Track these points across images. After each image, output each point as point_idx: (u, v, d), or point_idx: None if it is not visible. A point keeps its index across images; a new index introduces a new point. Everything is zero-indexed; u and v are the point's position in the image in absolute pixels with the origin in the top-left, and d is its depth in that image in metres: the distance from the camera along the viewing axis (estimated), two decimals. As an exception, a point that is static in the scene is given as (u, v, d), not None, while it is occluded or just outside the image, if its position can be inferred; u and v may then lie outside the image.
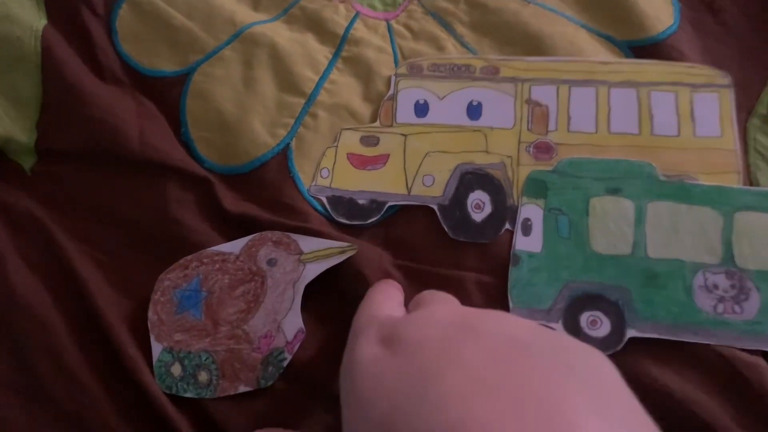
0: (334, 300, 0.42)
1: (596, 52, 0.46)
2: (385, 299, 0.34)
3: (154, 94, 0.46)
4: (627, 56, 0.47)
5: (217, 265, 0.42)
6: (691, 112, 0.44)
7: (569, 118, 0.45)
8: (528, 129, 0.45)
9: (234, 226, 0.43)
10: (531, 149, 0.44)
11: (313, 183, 0.44)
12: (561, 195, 0.43)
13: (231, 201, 0.44)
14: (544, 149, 0.44)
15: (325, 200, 0.44)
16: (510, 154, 0.44)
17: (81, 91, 0.45)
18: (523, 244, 0.42)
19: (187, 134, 0.47)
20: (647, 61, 0.46)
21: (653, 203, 0.40)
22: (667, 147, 0.43)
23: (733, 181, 0.42)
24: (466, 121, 0.46)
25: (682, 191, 0.41)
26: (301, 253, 0.42)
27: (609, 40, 0.47)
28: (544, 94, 0.45)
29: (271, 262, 0.42)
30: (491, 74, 0.46)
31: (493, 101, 0.45)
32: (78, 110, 0.44)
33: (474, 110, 0.45)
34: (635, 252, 0.41)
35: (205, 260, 0.43)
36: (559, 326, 0.41)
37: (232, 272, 0.42)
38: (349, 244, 0.42)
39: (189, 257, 0.43)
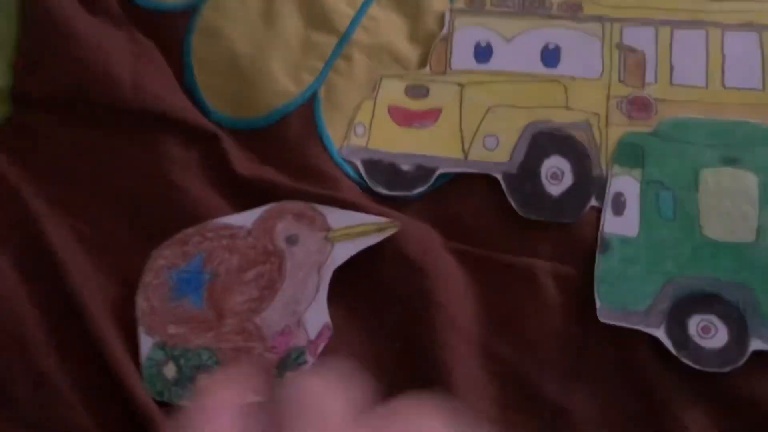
0: (368, 290, 0.38)
1: None
2: None
3: (154, 31, 0.43)
4: None
5: (225, 242, 0.38)
6: None
7: (672, 68, 0.40)
8: (620, 80, 0.40)
9: (246, 194, 0.40)
10: (624, 106, 0.40)
11: (346, 142, 0.41)
12: (663, 164, 0.38)
13: (243, 162, 0.41)
14: (640, 106, 0.40)
15: (359, 164, 0.41)
16: (597, 110, 0.40)
17: (65, 26, 0.42)
18: (614, 225, 0.38)
19: (192, 80, 0.43)
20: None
21: None
22: None
23: None
24: (540, 69, 0.41)
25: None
26: (329, 229, 0.38)
27: None
28: (639, 37, 0.40)
29: (292, 240, 0.38)
30: (572, 11, 0.42)
31: (575, 45, 0.41)
32: (61, 48, 0.41)
33: (550, 55, 0.41)
34: (760, 240, 0.36)
35: (209, 235, 0.39)
36: (661, 333, 0.36)
37: (243, 251, 0.38)
38: (388, 220, 0.38)
39: (190, 230, 0.39)
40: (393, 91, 0.42)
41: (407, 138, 0.41)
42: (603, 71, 0.41)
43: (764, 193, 0.37)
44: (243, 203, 0.40)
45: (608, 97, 0.40)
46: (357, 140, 0.41)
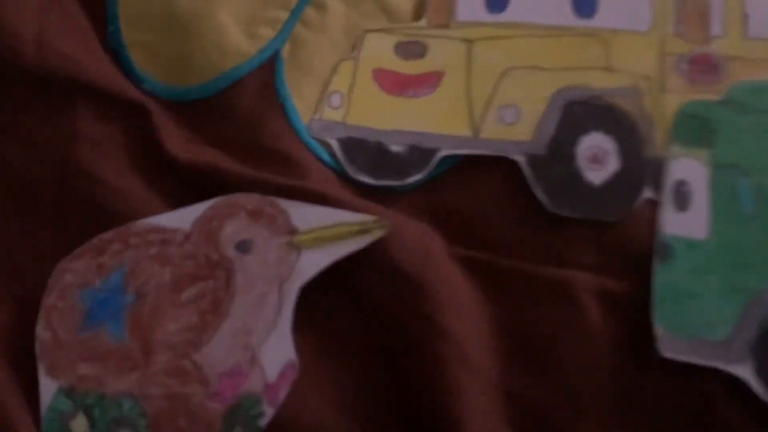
0: (347, 313, 0.35)
1: None
2: None
3: None
4: None
5: (154, 250, 0.35)
6: None
7: (745, 17, 0.37)
8: (676, 33, 0.37)
9: (184, 185, 0.37)
10: (683, 66, 0.36)
11: (317, 116, 0.38)
12: (738, 143, 0.34)
13: (180, 143, 0.38)
14: (705, 67, 0.36)
15: (335, 144, 0.38)
16: (648, 72, 0.36)
17: None
18: (676, 224, 0.34)
19: (117, 36, 0.40)
20: None
21: None
22: None
23: None
24: (571, 20, 0.38)
25: None
26: (293, 231, 0.34)
27: None
28: None
29: (244, 247, 0.34)
30: None
31: None
32: None
33: (584, 2, 0.38)
34: None
35: (133, 241, 0.35)
36: (747, 371, 0.32)
37: (178, 262, 0.35)
38: (374, 218, 0.34)
39: (106, 235, 0.35)
40: (380, 50, 0.38)
41: (398, 110, 0.38)
42: (653, 22, 0.37)
43: None
44: (179, 197, 0.37)
45: (662, 56, 0.37)
46: (332, 113, 0.38)
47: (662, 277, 0.33)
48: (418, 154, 0.37)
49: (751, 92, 0.35)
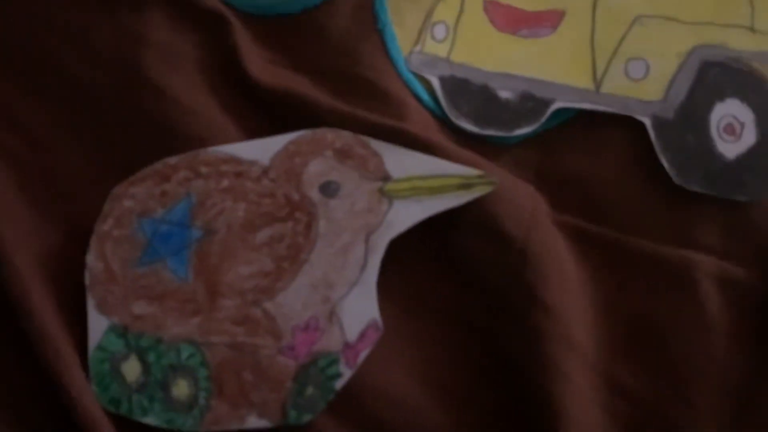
0: (437, 276, 0.35)
1: None
2: None
3: None
4: None
5: (227, 182, 0.35)
6: None
7: None
8: None
9: (264, 112, 0.37)
10: None
11: (418, 47, 0.38)
12: None
13: (263, 65, 0.37)
14: None
15: (436, 82, 0.37)
16: None
17: None
18: None
19: None
20: None
21: None
22: None
23: None
24: None
25: None
26: (386, 178, 0.34)
27: None
28: None
29: (330, 190, 0.34)
30: None
31: None
32: None
33: None
34: None
35: (204, 170, 0.35)
36: None
37: (255, 199, 0.34)
38: (478, 171, 0.34)
39: (173, 160, 0.35)
40: None
41: (510, 50, 0.38)
42: None
43: None
44: (257, 126, 0.36)
45: None
46: (435, 47, 0.38)
47: None
48: (531, 103, 0.37)
49: None
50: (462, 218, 0.34)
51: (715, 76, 0.36)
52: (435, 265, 0.35)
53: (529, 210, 0.34)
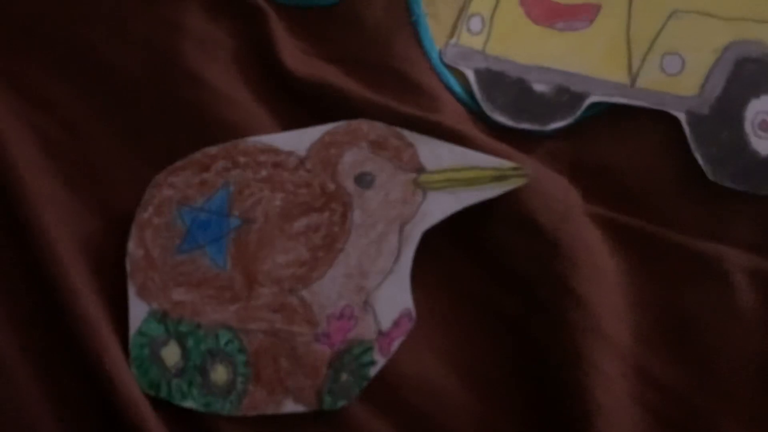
0: (470, 266, 0.36)
1: None
2: None
3: None
4: None
5: (265, 173, 0.36)
6: None
7: None
8: None
9: (299, 103, 0.38)
10: None
11: (454, 40, 0.39)
12: None
13: (298, 55, 0.39)
14: None
15: (471, 75, 0.38)
16: None
17: None
18: None
19: None
20: None
21: None
22: None
23: None
24: None
25: None
26: (421, 169, 0.35)
27: None
28: None
29: (365, 180, 0.35)
30: None
31: None
32: None
33: None
34: None
35: (242, 160, 0.36)
36: None
37: (291, 189, 0.36)
38: (513, 164, 0.35)
39: (213, 150, 0.36)
40: None
41: (546, 43, 0.38)
42: None
43: None
44: (293, 116, 0.37)
45: None
46: (471, 39, 0.39)
47: None
48: (566, 96, 0.37)
49: None
50: (495, 210, 0.35)
51: (750, 73, 0.36)
52: (468, 255, 0.36)
53: (562, 202, 0.35)
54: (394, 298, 0.34)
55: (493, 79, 0.38)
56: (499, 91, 0.38)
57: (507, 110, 0.38)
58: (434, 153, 0.35)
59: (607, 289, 0.34)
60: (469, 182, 0.34)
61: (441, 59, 0.38)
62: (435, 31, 0.39)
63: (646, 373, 0.34)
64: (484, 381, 0.34)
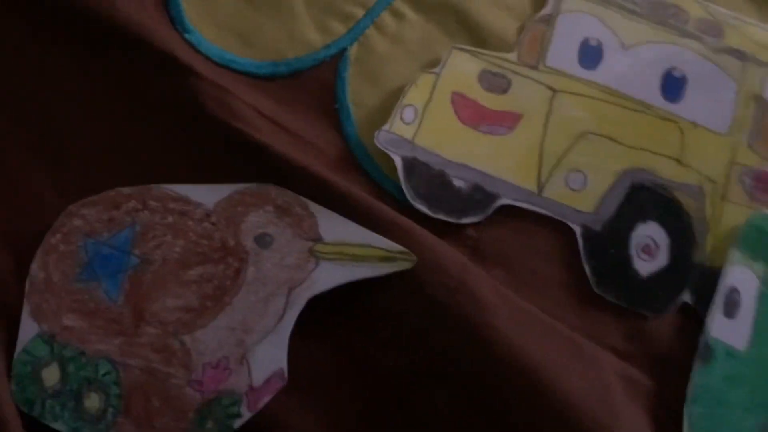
0: (349, 329, 0.38)
1: None
2: None
3: None
4: None
5: (171, 218, 0.38)
6: None
7: None
8: (749, 144, 0.40)
9: (216, 153, 0.39)
10: (748, 180, 0.40)
11: (387, 126, 0.40)
12: None
13: (223, 104, 0.39)
14: (766, 186, 0.40)
15: (399, 162, 0.39)
16: (715, 176, 0.40)
17: None
18: (723, 330, 0.38)
19: None
20: None
21: None
22: None
23: None
24: (657, 99, 0.41)
25: None
26: (317, 239, 0.37)
27: None
28: None
29: (264, 241, 0.37)
30: (712, 34, 0.42)
31: (705, 79, 0.41)
32: None
33: (673, 85, 0.41)
34: None
35: (152, 204, 0.38)
36: None
37: (193, 238, 0.37)
38: (402, 249, 0.37)
39: (127, 190, 0.38)
40: (463, 72, 0.41)
41: (470, 143, 0.40)
42: (732, 125, 0.41)
43: None
44: (210, 168, 0.39)
45: (732, 163, 0.40)
46: (403, 128, 0.40)
47: (700, 378, 0.37)
48: (480, 195, 0.39)
49: None
50: (386, 280, 0.36)
51: (641, 199, 0.39)
52: (356, 322, 0.37)
53: (455, 277, 0.36)
54: (270, 357, 0.36)
55: (419, 169, 0.39)
56: (422, 181, 0.39)
57: (426, 199, 0.39)
58: (333, 226, 0.37)
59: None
60: (359, 258, 0.36)
61: (377, 141, 0.39)
62: (358, 117, 0.40)
63: None
64: None
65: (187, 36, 0.41)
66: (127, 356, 0.36)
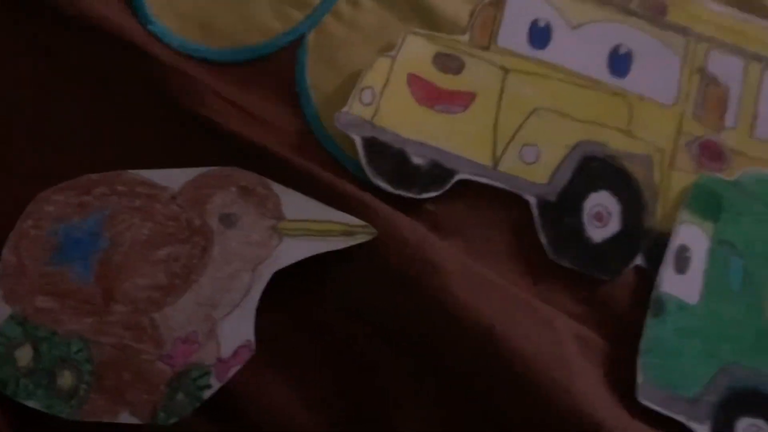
0: (314, 299, 0.39)
1: None
2: None
3: None
4: None
5: (138, 202, 0.39)
6: None
7: (756, 117, 0.43)
8: (695, 115, 0.42)
9: (181, 138, 0.41)
10: (694, 148, 0.42)
11: (346, 108, 0.42)
12: (739, 224, 0.41)
13: (186, 90, 0.41)
14: (712, 153, 0.42)
15: (359, 142, 0.41)
16: (662, 145, 0.42)
17: None
18: (673, 285, 0.40)
19: None
20: None
21: None
22: None
23: None
24: (605, 75, 0.43)
25: None
26: (280, 218, 0.38)
27: None
28: (725, 67, 0.43)
29: (229, 221, 0.39)
30: (655, 11, 0.44)
31: (651, 55, 0.43)
32: None
33: (620, 61, 0.43)
34: None
35: (120, 188, 0.39)
36: (705, 430, 0.38)
37: (160, 220, 0.39)
38: (362, 222, 0.39)
39: (95, 176, 0.39)
40: (419, 55, 0.42)
41: (426, 122, 0.42)
42: (677, 97, 0.43)
43: None
44: (179, 151, 0.41)
45: (678, 133, 0.42)
46: (362, 109, 0.42)
47: (652, 331, 0.39)
48: (438, 171, 0.41)
49: (758, 182, 0.42)
50: (347, 253, 0.38)
51: (593, 170, 0.41)
52: (316, 292, 0.39)
53: (412, 246, 0.38)
54: (238, 330, 0.37)
55: (379, 149, 0.41)
56: (382, 159, 0.41)
57: (387, 177, 0.41)
58: (295, 204, 0.39)
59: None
60: (321, 233, 0.38)
61: (338, 123, 0.41)
62: (317, 99, 0.42)
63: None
64: (323, 403, 0.37)
65: (149, 27, 0.42)
66: (99, 334, 0.37)
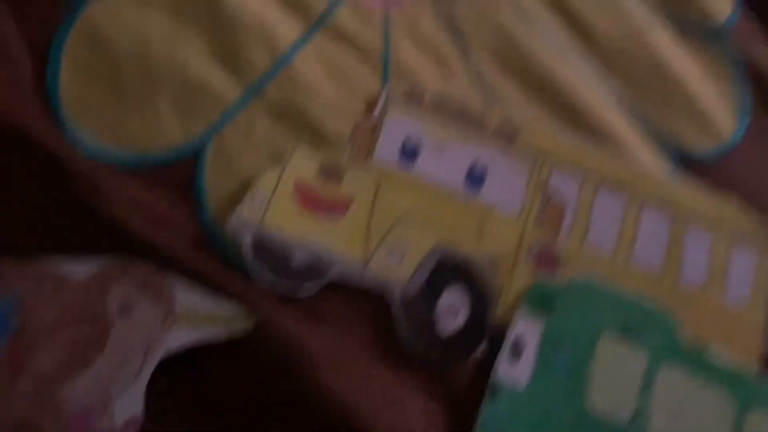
0: (194, 379, 0.43)
1: (636, 146, 0.52)
2: None
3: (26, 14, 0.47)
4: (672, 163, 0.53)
5: (49, 290, 0.42)
6: (725, 268, 0.49)
7: (588, 229, 0.49)
8: (535, 226, 0.48)
9: (87, 231, 0.44)
10: (533, 254, 0.47)
11: (240, 208, 0.45)
12: (568, 320, 0.46)
13: (93, 189, 0.45)
14: (547, 259, 0.47)
15: (246, 242, 0.45)
16: (507, 251, 0.48)
17: None
18: (507, 370, 0.45)
19: (55, 81, 0.47)
20: (691, 187, 0.52)
21: (668, 367, 0.45)
22: (689, 303, 0.48)
23: (752, 366, 0.47)
24: (462, 189, 0.49)
25: (699, 362, 0.46)
26: (172, 307, 0.42)
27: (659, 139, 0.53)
28: (564, 185, 0.49)
29: (124, 311, 0.42)
30: (507, 138, 0.50)
31: (502, 172, 0.49)
32: None
33: (476, 177, 0.49)
34: (634, 424, 0.45)
35: (31, 275, 0.43)
36: None
37: (66, 306, 0.42)
38: (244, 313, 0.43)
39: (9, 261, 0.43)
40: (305, 167, 0.47)
41: (309, 225, 0.46)
42: (522, 210, 0.48)
43: (649, 375, 0.45)
44: (83, 245, 0.44)
45: (521, 240, 0.47)
46: (252, 211, 0.46)
47: (487, 410, 0.44)
48: (317, 269, 0.45)
49: (585, 286, 0.48)
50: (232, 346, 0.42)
51: (446, 270, 0.46)
52: (199, 375, 0.42)
53: (290, 332, 0.42)
54: (130, 404, 0.40)
55: (264, 248, 0.45)
56: (267, 259, 0.45)
57: (270, 275, 0.45)
58: (187, 297, 0.43)
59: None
60: (208, 322, 0.42)
61: (230, 226, 0.45)
62: (216, 205, 0.46)
63: None
64: None
65: (64, 130, 0.46)
66: (3, 409, 0.40)
